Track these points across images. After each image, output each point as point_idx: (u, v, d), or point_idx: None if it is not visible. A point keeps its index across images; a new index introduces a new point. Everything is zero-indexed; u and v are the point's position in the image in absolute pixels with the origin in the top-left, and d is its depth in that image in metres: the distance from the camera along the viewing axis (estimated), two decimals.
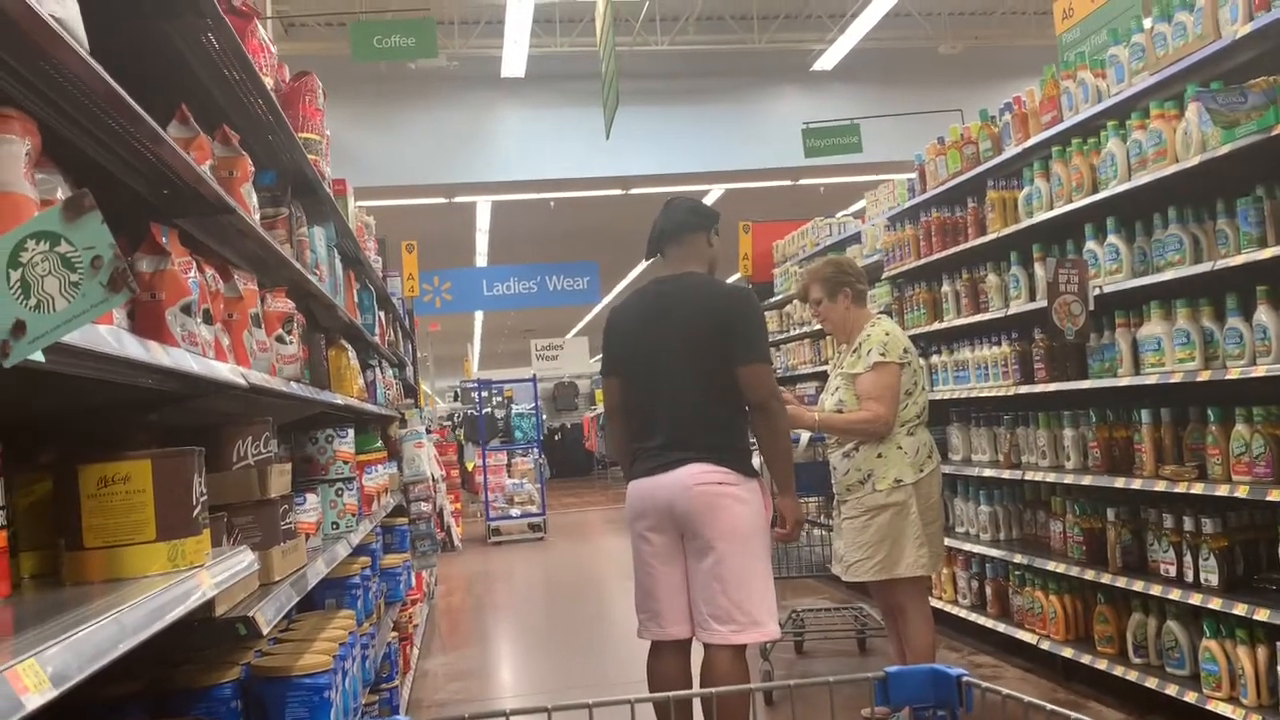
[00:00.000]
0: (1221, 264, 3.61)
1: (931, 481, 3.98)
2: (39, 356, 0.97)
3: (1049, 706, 1.01)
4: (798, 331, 8.66)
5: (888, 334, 4.03)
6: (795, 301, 8.71)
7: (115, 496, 1.51)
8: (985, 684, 1.10)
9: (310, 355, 3.08)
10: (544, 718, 1.18)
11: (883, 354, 3.95)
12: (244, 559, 1.83)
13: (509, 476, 13.23)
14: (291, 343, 2.59)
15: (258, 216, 2.48)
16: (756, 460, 3.67)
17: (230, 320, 2.17)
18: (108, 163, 1.88)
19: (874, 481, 3.93)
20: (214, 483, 1.98)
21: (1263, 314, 3.46)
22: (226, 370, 1.91)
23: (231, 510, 2.13)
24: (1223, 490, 3.55)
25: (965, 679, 1.13)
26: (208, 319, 1.94)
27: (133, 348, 1.39)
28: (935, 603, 5.46)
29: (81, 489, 1.51)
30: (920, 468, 3.94)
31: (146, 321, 1.72)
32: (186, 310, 1.80)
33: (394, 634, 4.56)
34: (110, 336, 1.31)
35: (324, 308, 3.52)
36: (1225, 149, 3.49)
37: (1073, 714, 0.98)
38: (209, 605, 1.71)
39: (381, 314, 5.76)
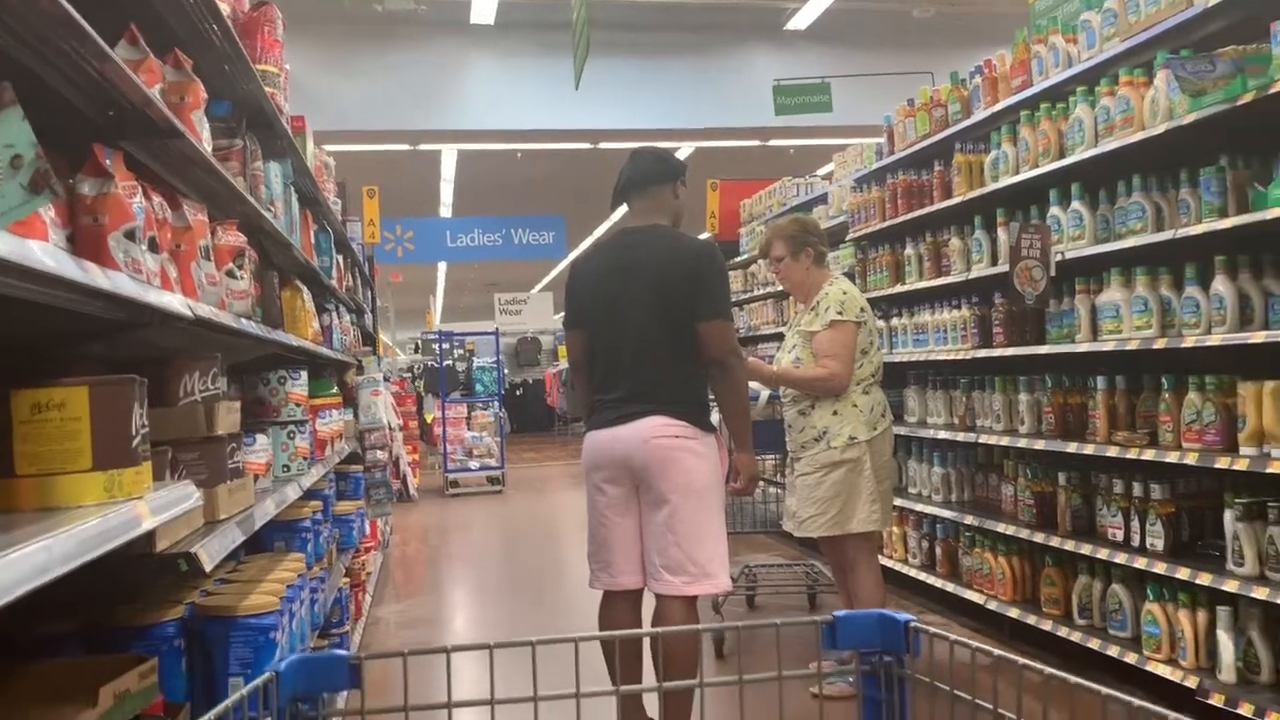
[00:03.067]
0: (1182, 233, 3.63)
1: (885, 440, 4.01)
2: None
3: (996, 651, 1.01)
4: (761, 291, 8.65)
5: (845, 293, 4.03)
6: (760, 261, 8.69)
7: (50, 423, 1.46)
8: (933, 629, 1.10)
9: (263, 293, 3.01)
10: (485, 654, 1.16)
11: (840, 312, 3.96)
12: (187, 493, 1.79)
13: (468, 429, 13.18)
14: (242, 278, 2.53)
15: (209, 146, 2.40)
16: (715, 416, 3.66)
17: (178, 251, 2.10)
18: (50, 79, 1.80)
19: (829, 438, 3.94)
20: (158, 418, 1.93)
21: (1219, 284, 3.49)
22: (171, 300, 1.85)
23: (176, 446, 2.08)
24: (1173, 457, 3.60)
25: (913, 624, 1.12)
26: (153, 247, 1.88)
27: (69, 268, 1.34)
28: (886, 561, 5.53)
29: (14, 414, 1.46)
30: (874, 426, 3.96)
31: (87, 246, 1.66)
32: (130, 236, 1.73)
33: (346, 580, 4.54)
34: (44, 254, 1.25)
35: (278, 246, 3.44)
36: (1191, 117, 3.50)
37: (1019, 659, 0.97)
38: (149, 539, 1.67)
39: (340, 258, 5.67)
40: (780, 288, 6.76)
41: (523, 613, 6.03)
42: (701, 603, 3.49)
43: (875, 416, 3.98)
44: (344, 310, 5.80)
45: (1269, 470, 3.19)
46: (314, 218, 4.57)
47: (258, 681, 1.00)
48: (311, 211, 4.49)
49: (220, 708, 0.92)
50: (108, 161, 1.72)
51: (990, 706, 1.03)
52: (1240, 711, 3.26)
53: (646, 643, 3.27)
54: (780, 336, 7.99)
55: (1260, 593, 3.24)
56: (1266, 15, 3.27)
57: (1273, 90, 3.15)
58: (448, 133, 11.55)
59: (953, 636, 1.08)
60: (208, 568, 1.87)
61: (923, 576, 5.40)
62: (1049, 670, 0.95)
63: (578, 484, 9.69)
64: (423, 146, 12.25)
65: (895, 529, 5.67)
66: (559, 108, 10.98)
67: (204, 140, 2.33)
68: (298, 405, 3.35)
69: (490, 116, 11.24)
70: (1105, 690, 0.88)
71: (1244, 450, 3.31)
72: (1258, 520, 3.36)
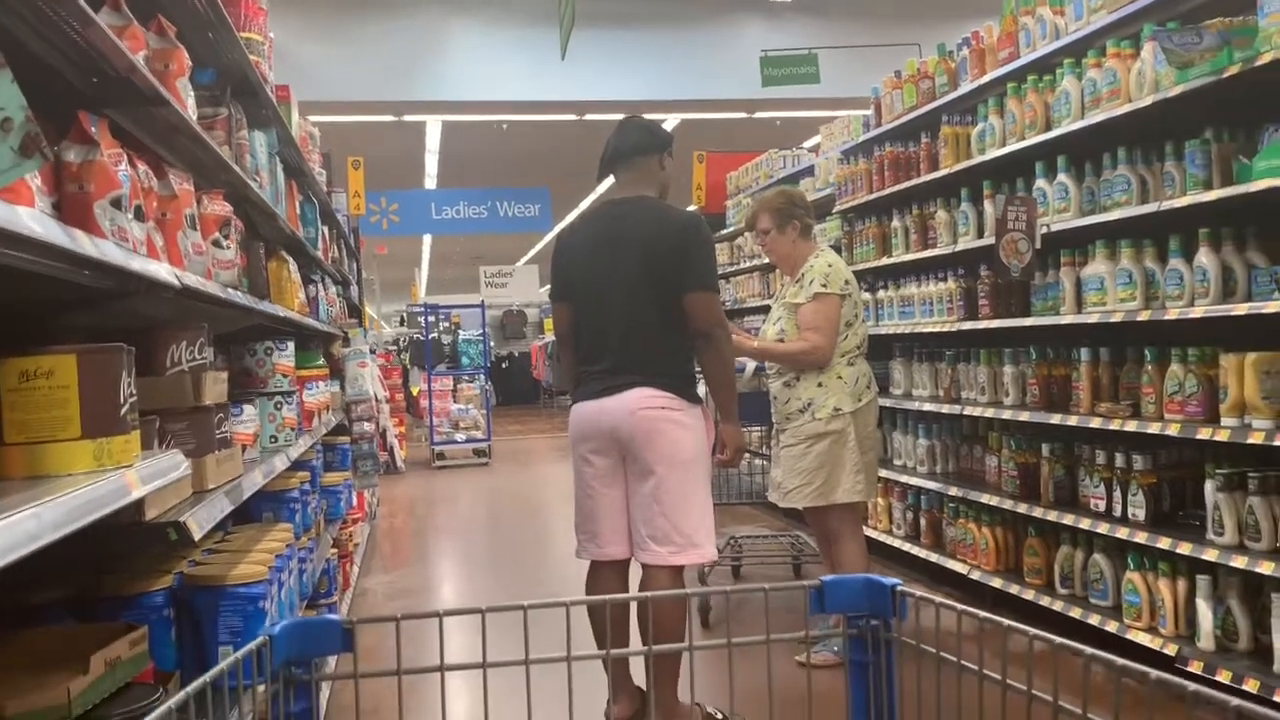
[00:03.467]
0: (1167, 205, 3.65)
1: (869, 411, 4.03)
2: None
3: (982, 614, 1.02)
4: (748, 264, 8.66)
5: (830, 265, 4.03)
6: (746, 234, 8.68)
7: (38, 391, 1.46)
8: (919, 593, 1.11)
9: (249, 263, 3.00)
10: (474, 624, 1.17)
11: (824, 285, 3.96)
12: (176, 462, 1.79)
13: (455, 402, 13.17)
14: (229, 248, 2.51)
15: (194, 115, 2.38)
16: (702, 388, 3.67)
17: (164, 219, 2.09)
18: (33, 45, 1.78)
19: (814, 410, 3.96)
20: (146, 387, 1.93)
21: (1203, 256, 3.51)
22: (158, 268, 1.84)
23: (164, 416, 2.08)
24: (1155, 428, 3.64)
25: (899, 588, 1.14)
26: (139, 216, 1.87)
27: (57, 234, 1.33)
28: (870, 532, 5.57)
29: (2, 382, 1.46)
30: (859, 397, 3.98)
31: (74, 214, 1.65)
32: (116, 204, 1.72)
33: (334, 551, 4.55)
34: (32, 220, 1.24)
35: (264, 216, 3.42)
36: (1178, 89, 3.51)
37: (1005, 620, 0.99)
38: (138, 507, 1.67)
39: (325, 229, 5.64)
40: (766, 260, 6.76)
41: (510, 583, 6.06)
42: (688, 573, 3.52)
43: (860, 388, 4.00)
44: (330, 282, 5.78)
45: (1250, 441, 3.23)
46: (299, 188, 4.54)
47: (252, 645, 1.01)
48: (297, 182, 4.46)
49: (215, 670, 0.93)
50: (93, 129, 1.70)
51: (975, 668, 1.05)
52: (1218, 678, 3.31)
53: (633, 614, 3.30)
54: (766, 309, 8.01)
55: (1239, 562, 3.28)
56: None
57: (1259, 63, 3.16)
58: (432, 104, 11.45)
59: (938, 599, 1.10)
60: (196, 537, 1.87)
61: (907, 547, 5.45)
62: (1034, 631, 0.97)
63: (563, 456, 9.69)
64: (407, 118, 12.15)
65: (880, 500, 5.71)
66: (544, 78, 10.91)
67: (189, 108, 2.31)
68: (285, 376, 3.35)
69: (475, 87, 11.15)
70: (1089, 650, 0.90)
71: (1225, 421, 3.35)
72: (1238, 490, 3.41)
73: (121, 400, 1.55)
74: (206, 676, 0.91)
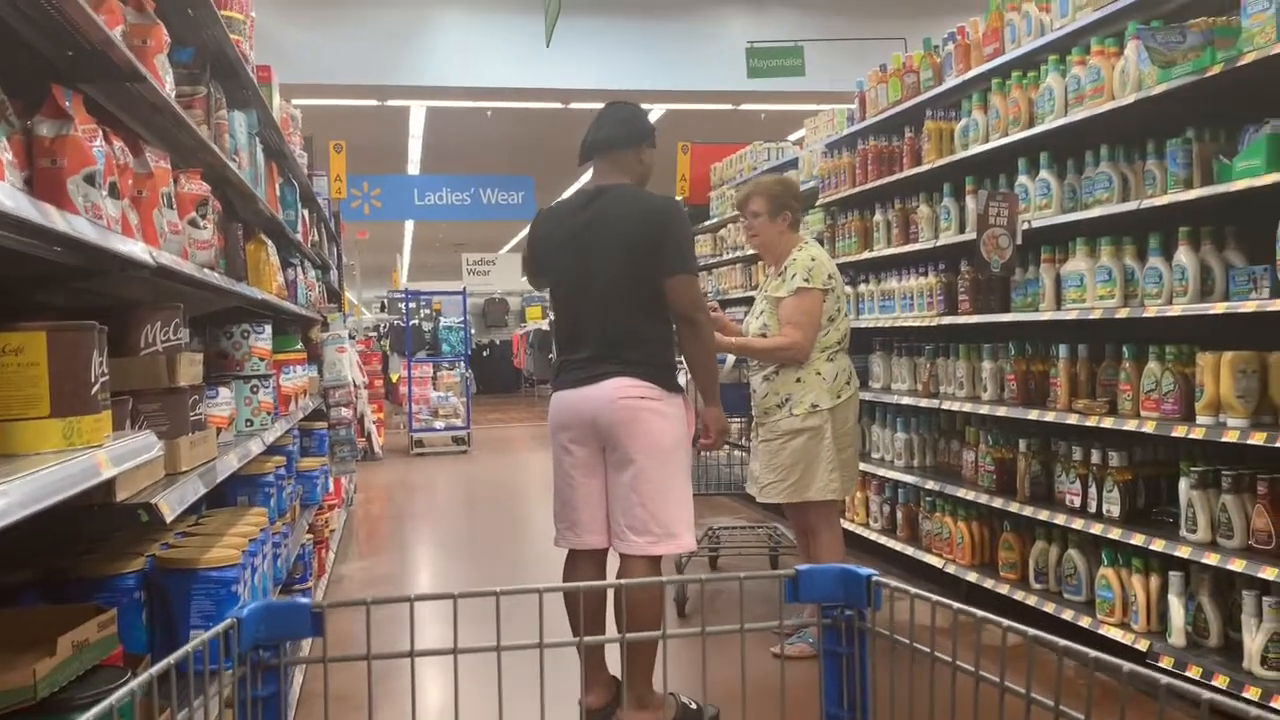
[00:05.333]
0: (1147, 204, 3.66)
1: (848, 408, 4.02)
2: None
3: (956, 605, 1.02)
4: (730, 256, 8.65)
5: (813, 259, 4.02)
6: (730, 226, 8.68)
7: (6, 369, 1.44)
8: (894, 583, 1.11)
9: (226, 245, 2.97)
10: (447, 613, 1.16)
11: (806, 280, 3.96)
12: (148, 443, 1.76)
13: (434, 389, 13.12)
14: (206, 228, 2.48)
15: (172, 92, 2.35)
16: (683, 377, 3.66)
17: (139, 198, 2.07)
18: (5, 15, 1.75)
19: (791, 406, 3.96)
20: (119, 367, 1.91)
21: (1182, 254, 3.53)
22: (133, 247, 1.82)
23: (138, 397, 2.06)
24: (1131, 425, 3.66)
25: (875, 578, 1.14)
26: (114, 193, 1.84)
27: (27, 209, 1.30)
28: (847, 525, 5.58)
29: None
30: (838, 394, 3.97)
31: (46, 189, 1.62)
32: (90, 180, 1.70)
33: (309, 536, 4.52)
34: (1, 194, 1.22)
35: (243, 198, 3.39)
36: (1160, 88, 3.52)
37: (979, 611, 0.99)
38: (109, 488, 1.65)
39: (305, 212, 5.59)
40: (750, 251, 6.76)
41: (487, 571, 6.05)
42: (665, 563, 3.51)
43: (839, 384, 3.99)
44: (309, 265, 5.74)
45: (1224, 439, 3.25)
46: (280, 170, 4.50)
47: (219, 627, 1.00)
48: (277, 164, 4.42)
49: (181, 652, 0.92)
50: (67, 103, 1.68)
51: (949, 660, 1.05)
52: (1188, 674, 3.34)
53: (610, 604, 3.30)
54: (748, 300, 8.00)
55: (1211, 559, 3.31)
56: None
57: (1241, 63, 3.17)
58: (415, 89, 11.38)
59: (914, 591, 1.09)
60: (169, 519, 1.85)
61: (883, 540, 5.47)
62: (1007, 623, 0.97)
63: (543, 445, 9.68)
64: (390, 102, 12.07)
65: (858, 493, 5.72)
66: (529, 66, 10.85)
67: (167, 86, 2.28)
68: (261, 359, 3.32)
69: (458, 73, 11.08)
70: (1063, 643, 0.90)
71: (1200, 419, 3.37)
72: (1211, 488, 3.43)
73: (92, 379, 1.53)
74: (171, 658, 0.90)
